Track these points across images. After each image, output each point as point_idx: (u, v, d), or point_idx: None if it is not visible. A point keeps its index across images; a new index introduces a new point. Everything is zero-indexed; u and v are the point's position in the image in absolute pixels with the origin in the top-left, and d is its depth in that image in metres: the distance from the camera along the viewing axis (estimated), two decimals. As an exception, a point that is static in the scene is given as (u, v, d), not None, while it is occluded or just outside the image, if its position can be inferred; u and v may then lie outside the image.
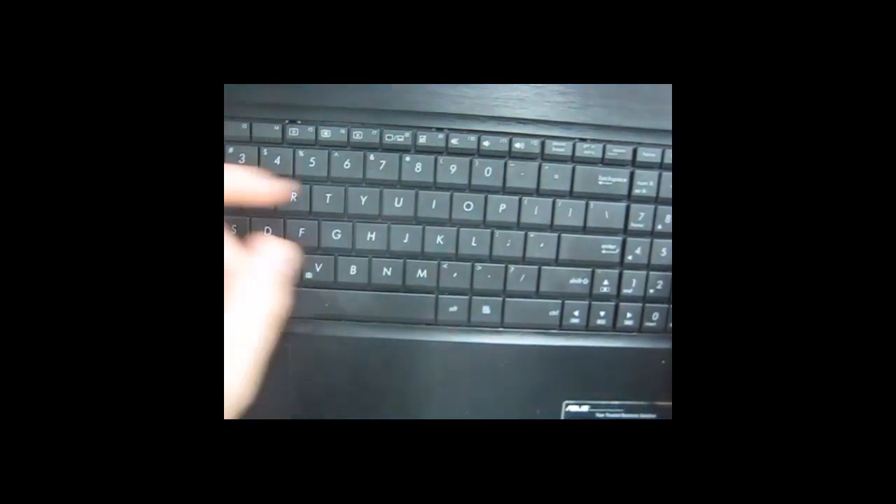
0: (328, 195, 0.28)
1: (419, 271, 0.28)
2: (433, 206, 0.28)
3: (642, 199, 0.29)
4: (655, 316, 0.29)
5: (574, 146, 0.28)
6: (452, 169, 0.28)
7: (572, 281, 0.29)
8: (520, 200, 0.28)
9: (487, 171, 0.28)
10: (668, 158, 0.28)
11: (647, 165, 0.28)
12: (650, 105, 0.28)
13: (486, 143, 0.28)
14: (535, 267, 0.29)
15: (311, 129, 0.27)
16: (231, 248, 0.22)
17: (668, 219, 0.29)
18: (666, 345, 0.29)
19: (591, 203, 0.28)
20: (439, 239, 0.28)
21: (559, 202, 0.28)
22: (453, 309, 0.29)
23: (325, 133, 0.27)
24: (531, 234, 0.28)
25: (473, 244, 0.28)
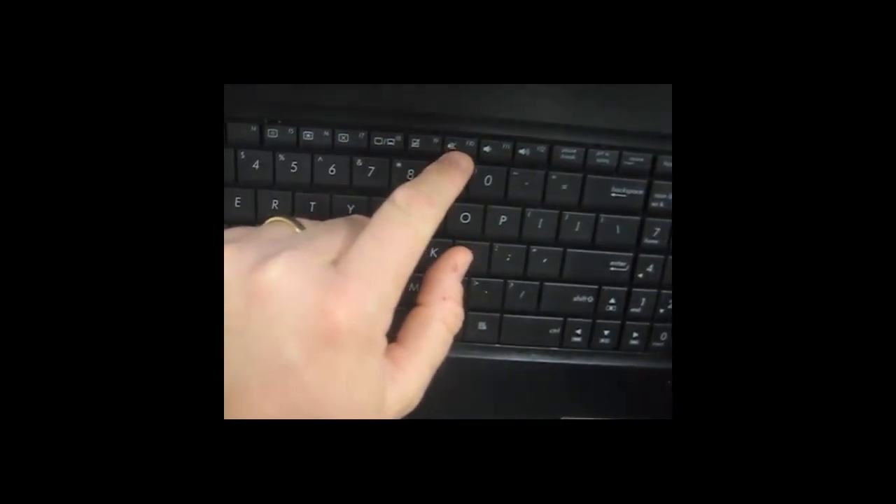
0: (312, 203, 0.25)
1: (412, 285, 0.26)
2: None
3: (659, 213, 0.26)
4: (663, 336, 0.28)
5: (586, 153, 0.25)
6: (448, 177, 0.25)
7: (576, 299, 0.27)
8: (522, 212, 0.26)
9: (487, 180, 0.25)
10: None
11: (668, 176, 0.25)
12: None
13: (486, 149, 0.25)
14: (537, 283, 0.27)
15: (291, 130, 0.25)
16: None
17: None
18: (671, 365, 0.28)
19: (602, 216, 0.26)
20: (433, 252, 0.26)
21: (566, 215, 0.26)
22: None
23: (308, 135, 0.25)
24: (533, 249, 0.26)
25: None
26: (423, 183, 0.21)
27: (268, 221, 0.22)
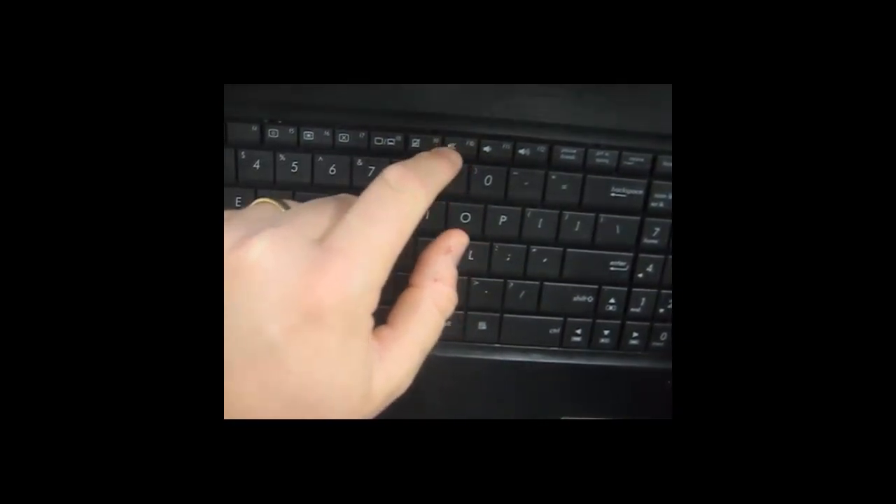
0: (312, 203, 0.25)
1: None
2: (427, 217, 0.25)
3: (659, 213, 0.26)
4: (663, 336, 0.28)
5: (586, 153, 0.25)
6: (448, 177, 0.25)
7: (576, 298, 0.27)
8: (522, 212, 0.26)
9: (487, 180, 0.25)
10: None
11: (668, 176, 0.25)
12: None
13: (486, 149, 0.25)
14: (537, 283, 0.27)
15: (292, 130, 0.25)
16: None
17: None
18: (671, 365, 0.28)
19: (602, 216, 0.26)
20: (433, 250, 0.26)
21: (566, 215, 0.26)
22: (447, 324, 0.27)
23: (308, 135, 0.25)
24: (533, 249, 0.26)
25: (470, 258, 0.26)
26: (416, 164, 0.20)
27: (254, 203, 0.21)
